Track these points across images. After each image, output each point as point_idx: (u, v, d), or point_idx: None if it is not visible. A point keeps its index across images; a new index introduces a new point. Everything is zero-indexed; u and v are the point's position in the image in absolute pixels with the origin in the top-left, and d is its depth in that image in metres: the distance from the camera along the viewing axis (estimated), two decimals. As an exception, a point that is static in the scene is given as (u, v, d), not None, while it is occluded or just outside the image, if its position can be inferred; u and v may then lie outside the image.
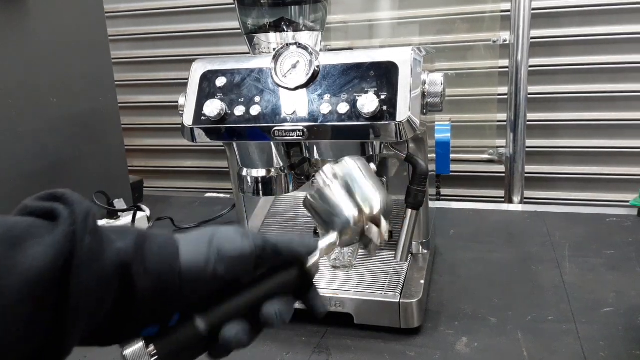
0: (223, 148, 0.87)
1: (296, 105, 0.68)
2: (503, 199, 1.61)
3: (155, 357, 0.36)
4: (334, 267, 0.82)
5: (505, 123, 1.54)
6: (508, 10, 1.48)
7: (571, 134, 1.66)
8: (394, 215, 0.86)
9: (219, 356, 0.40)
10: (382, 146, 0.76)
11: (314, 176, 0.85)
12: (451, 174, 1.35)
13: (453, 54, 1.64)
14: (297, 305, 0.44)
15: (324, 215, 0.49)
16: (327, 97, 0.67)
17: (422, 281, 0.76)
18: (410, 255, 0.82)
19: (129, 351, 0.36)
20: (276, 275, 0.42)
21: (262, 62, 0.71)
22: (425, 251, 0.86)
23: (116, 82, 1.20)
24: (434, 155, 1.04)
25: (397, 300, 0.71)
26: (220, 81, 0.72)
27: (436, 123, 1.14)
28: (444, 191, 1.62)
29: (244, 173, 0.76)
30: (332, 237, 0.46)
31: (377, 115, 0.64)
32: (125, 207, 1.14)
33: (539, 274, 0.88)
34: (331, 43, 1.66)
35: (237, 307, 0.40)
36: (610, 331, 0.70)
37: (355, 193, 0.49)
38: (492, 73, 1.64)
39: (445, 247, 1.00)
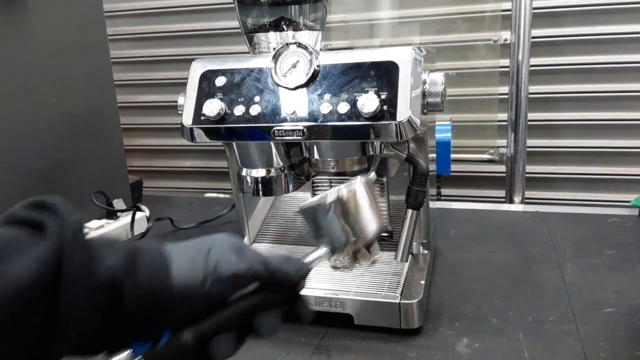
0: (223, 148, 0.87)
1: (296, 105, 0.68)
2: (504, 199, 1.60)
3: None
4: (334, 267, 0.81)
5: (506, 123, 1.54)
6: (509, 10, 1.48)
7: (572, 134, 1.66)
8: (394, 216, 0.86)
9: None
10: (383, 146, 0.76)
11: (315, 184, 0.85)
12: (452, 174, 1.35)
13: (454, 54, 1.64)
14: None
15: (322, 230, 0.50)
16: (327, 96, 0.67)
17: (423, 282, 0.76)
18: (410, 255, 0.82)
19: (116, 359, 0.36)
20: (266, 292, 0.43)
21: (261, 61, 0.71)
22: (426, 251, 0.86)
23: (116, 82, 1.20)
24: (435, 155, 1.03)
25: (398, 301, 0.70)
26: (220, 81, 0.71)
27: (437, 123, 1.14)
28: (444, 191, 1.62)
29: (244, 173, 0.76)
30: (323, 252, 0.49)
31: (377, 115, 0.64)
32: (124, 207, 1.14)
33: (539, 274, 0.87)
34: (331, 42, 1.66)
35: (227, 321, 0.40)
36: (611, 332, 0.70)
37: (356, 220, 0.51)
38: (492, 73, 1.63)
39: (445, 247, 0.99)
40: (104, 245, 0.38)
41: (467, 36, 1.63)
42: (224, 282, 0.40)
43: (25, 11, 0.97)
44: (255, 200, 0.92)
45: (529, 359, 0.65)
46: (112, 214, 1.11)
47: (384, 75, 0.65)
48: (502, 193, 1.63)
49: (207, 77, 0.72)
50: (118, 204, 1.12)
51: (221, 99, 0.70)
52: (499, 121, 1.65)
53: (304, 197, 0.88)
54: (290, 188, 0.77)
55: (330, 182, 0.87)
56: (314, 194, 0.88)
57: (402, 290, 0.73)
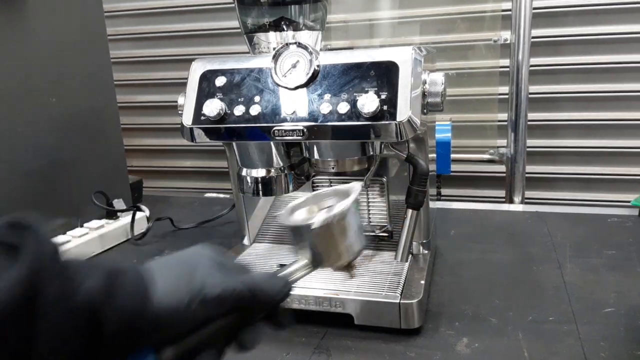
0: (223, 148, 0.87)
1: (296, 105, 0.68)
2: (504, 199, 1.60)
3: None
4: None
5: (506, 123, 1.54)
6: (509, 10, 1.48)
7: (572, 133, 1.66)
8: (394, 216, 0.86)
9: None
10: (383, 146, 0.76)
11: (315, 184, 0.85)
12: (452, 174, 1.35)
13: (454, 54, 1.64)
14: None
15: (305, 246, 0.51)
16: (327, 96, 0.67)
17: (423, 281, 0.76)
18: (410, 255, 0.82)
19: None
20: (249, 311, 0.44)
21: (261, 61, 0.71)
22: (426, 251, 0.86)
23: (116, 82, 1.20)
24: (435, 155, 1.03)
25: (398, 301, 0.70)
26: (220, 81, 0.71)
27: (437, 123, 1.14)
28: (444, 191, 1.62)
29: (244, 173, 0.76)
30: (305, 266, 0.50)
31: (377, 115, 0.64)
32: (124, 207, 1.14)
33: (539, 274, 0.87)
34: (331, 42, 1.66)
35: (209, 339, 0.41)
36: (611, 332, 0.70)
37: (341, 243, 0.52)
38: (492, 73, 1.63)
39: (445, 247, 0.99)
40: (82, 266, 0.37)
41: (467, 36, 1.63)
42: (211, 304, 0.40)
43: (25, 11, 0.97)
44: (255, 200, 0.92)
45: (528, 359, 0.65)
46: (112, 214, 1.11)
47: (384, 75, 0.65)
48: (502, 193, 1.63)
49: (207, 77, 0.72)
50: (118, 204, 1.13)
51: (221, 99, 0.70)
52: (499, 121, 1.65)
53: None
54: (290, 188, 0.77)
55: (331, 182, 0.87)
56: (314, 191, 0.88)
57: (402, 290, 0.73)
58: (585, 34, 1.57)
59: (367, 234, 0.86)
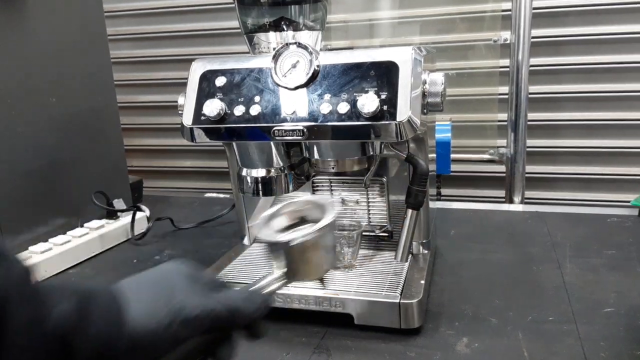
0: (223, 148, 0.87)
1: (296, 105, 0.68)
2: (504, 199, 1.60)
3: None
4: (334, 267, 0.81)
5: (506, 123, 1.54)
6: (509, 10, 1.48)
7: (572, 134, 1.66)
8: (394, 216, 0.86)
9: None
10: (383, 146, 0.76)
11: (315, 184, 0.85)
12: (452, 174, 1.35)
13: (454, 54, 1.64)
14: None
15: (283, 260, 0.52)
16: (327, 96, 0.67)
17: (423, 281, 0.76)
18: (410, 255, 0.82)
19: None
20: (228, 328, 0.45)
21: (261, 61, 0.71)
22: (426, 251, 0.86)
23: (116, 82, 1.20)
24: (435, 155, 1.03)
25: (398, 301, 0.70)
26: (220, 81, 0.71)
27: (437, 123, 1.14)
28: (444, 191, 1.62)
29: (244, 173, 0.76)
30: (280, 281, 0.51)
31: (377, 115, 0.64)
32: (124, 207, 1.14)
33: (539, 274, 0.87)
34: (331, 42, 1.66)
35: (187, 355, 0.41)
36: (611, 331, 0.70)
37: (317, 259, 0.53)
38: (492, 73, 1.63)
39: (445, 247, 0.99)
40: (53, 290, 0.36)
41: (467, 36, 1.63)
42: (190, 325, 0.40)
43: (25, 11, 0.98)
44: (255, 200, 0.92)
45: (528, 359, 0.65)
46: (112, 214, 1.11)
47: (384, 75, 0.65)
48: (502, 193, 1.63)
49: (207, 77, 0.72)
50: (118, 204, 1.13)
51: (221, 99, 0.70)
52: (499, 121, 1.65)
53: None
54: (290, 188, 0.77)
55: (331, 182, 0.87)
56: (313, 193, 0.88)
57: (402, 290, 0.73)
58: (585, 34, 1.57)
59: (368, 233, 0.86)
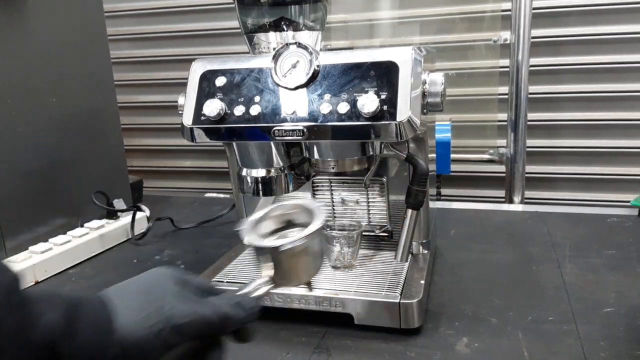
0: (223, 148, 0.87)
1: (296, 105, 0.68)
2: (503, 199, 1.61)
3: None
4: (334, 267, 0.81)
5: (505, 123, 1.54)
6: (509, 10, 1.48)
7: (572, 134, 1.66)
8: (394, 216, 0.86)
9: None
10: (383, 146, 0.76)
11: (315, 184, 0.85)
12: (451, 174, 1.35)
13: (454, 54, 1.64)
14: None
15: (270, 264, 0.52)
16: (327, 96, 0.67)
17: (423, 281, 0.76)
18: (410, 255, 0.82)
19: None
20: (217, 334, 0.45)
21: (262, 61, 0.71)
22: (426, 251, 0.86)
23: (116, 82, 1.20)
24: (435, 155, 1.03)
25: (398, 301, 0.70)
26: (220, 81, 0.71)
27: (436, 123, 1.14)
28: (444, 191, 1.62)
29: (244, 173, 0.76)
30: (266, 285, 0.51)
31: (377, 115, 0.64)
32: (124, 207, 1.14)
33: (539, 274, 0.87)
34: (331, 42, 1.66)
35: None
36: (611, 331, 0.70)
37: (305, 264, 0.54)
38: (492, 73, 1.63)
39: (445, 247, 0.99)
40: (41, 298, 0.36)
41: (467, 36, 1.63)
42: (181, 332, 0.40)
43: (25, 11, 0.98)
44: (255, 200, 0.92)
45: (528, 359, 0.65)
46: (112, 214, 1.11)
47: (384, 75, 0.65)
48: (502, 193, 1.63)
49: (207, 77, 0.72)
50: (118, 204, 1.13)
51: (221, 99, 0.70)
52: (499, 121, 1.65)
53: (304, 197, 0.88)
54: (290, 188, 0.77)
55: (331, 182, 0.87)
56: (313, 195, 0.88)
57: (402, 290, 0.73)
58: (585, 34, 1.57)
59: (368, 233, 0.87)
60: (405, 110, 0.64)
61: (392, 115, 0.64)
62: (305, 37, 0.76)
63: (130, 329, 0.38)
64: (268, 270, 0.52)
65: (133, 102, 2.02)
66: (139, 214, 1.14)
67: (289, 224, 0.58)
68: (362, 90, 0.65)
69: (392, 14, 1.69)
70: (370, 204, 0.86)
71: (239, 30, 0.80)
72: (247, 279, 0.80)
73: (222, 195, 1.43)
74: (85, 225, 1.07)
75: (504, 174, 1.58)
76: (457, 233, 1.07)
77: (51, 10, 1.03)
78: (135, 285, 0.42)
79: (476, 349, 0.67)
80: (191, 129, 0.72)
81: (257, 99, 0.69)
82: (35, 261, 0.93)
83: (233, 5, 0.78)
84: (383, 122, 0.64)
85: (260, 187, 0.76)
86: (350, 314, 0.72)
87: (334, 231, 0.82)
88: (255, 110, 0.69)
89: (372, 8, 1.69)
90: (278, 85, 0.69)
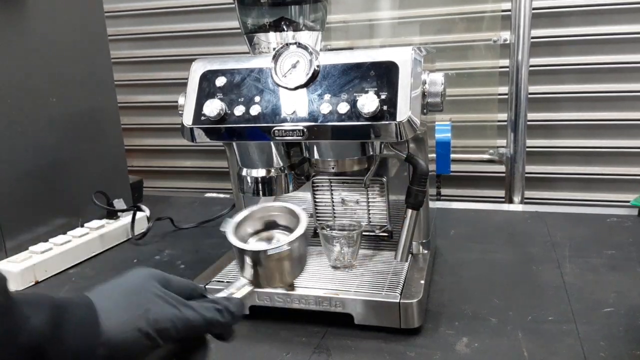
0: (223, 148, 0.87)
1: (296, 105, 0.68)
2: (503, 199, 1.61)
3: None
4: (334, 267, 0.81)
5: (505, 123, 1.54)
6: (509, 10, 1.48)
7: (572, 134, 1.66)
8: (394, 216, 0.86)
9: None
10: (382, 146, 0.76)
11: (315, 184, 0.85)
12: (451, 174, 1.35)
13: (453, 54, 1.64)
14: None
15: (251, 266, 0.52)
16: (327, 97, 0.67)
17: (422, 281, 0.76)
18: (410, 255, 0.82)
19: None
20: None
21: (262, 61, 0.71)
22: (426, 251, 0.86)
23: (116, 82, 1.20)
24: (434, 155, 1.03)
25: (397, 301, 0.70)
26: (220, 81, 0.71)
27: (436, 123, 1.14)
28: (444, 191, 1.62)
29: (244, 173, 0.76)
30: (247, 287, 0.52)
31: (377, 115, 0.64)
32: (124, 207, 1.14)
33: (539, 274, 0.87)
34: (331, 43, 1.66)
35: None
36: (610, 331, 0.70)
37: (288, 267, 0.54)
38: (492, 73, 1.63)
39: (445, 247, 0.99)
40: (27, 302, 0.36)
41: (467, 36, 1.63)
42: (166, 334, 0.40)
43: (25, 11, 0.98)
44: (255, 200, 0.92)
45: (528, 359, 0.65)
46: (112, 214, 1.11)
47: (383, 76, 0.65)
48: (502, 193, 1.63)
49: (208, 78, 0.72)
50: (118, 203, 1.13)
51: (221, 99, 0.70)
52: (499, 121, 1.65)
53: (304, 197, 0.88)
54: (290, 188, 0.77)
55: (331, 182, 0.87)
56: (313, 195, 0.88)
57: (402, 290, 0.73)
58: (585, 34, 1.57)
59: (368, 233, 0.87)
60: (405, 110, 0.64)
61: (392, 115, 0.64)
62: (305, 37, 0.76)
63: (117, 330, 0.38)
64: (251, 271, 0.52)
65: (133, 102, 2.02)
66: (139, 214, 1.14)
67: (271, 225, 0.58)
68: (362, 90, 0.65)
69: (392, 14, 1.69)
70: (370, 204, 0.86)
71: (239, 30, 0.80)
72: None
73: (222, 195, 1.43)
74: (86, 225, 1.07)
75: (504, 174, 1.58)
76: (457, 233, 1.07)
77: (51, 10, 1.03)
78: (120, 287, 0.42)
79: (476, 349, 0.67)
80: (191, 129, 0.72)
81: (257, 99, 0.69)
82: (35, 261, 0.93)
83: (233, 5, 0.78)
84: (383, 122, 0.64)
85: (260, 187, 0.76)
86: (350, 314, 0.72)
87: (334, 231, 0.82)
88: (255, 110, 0.69)
89: (372, 8, 1.69)
90: (278, 85, 0.69)
